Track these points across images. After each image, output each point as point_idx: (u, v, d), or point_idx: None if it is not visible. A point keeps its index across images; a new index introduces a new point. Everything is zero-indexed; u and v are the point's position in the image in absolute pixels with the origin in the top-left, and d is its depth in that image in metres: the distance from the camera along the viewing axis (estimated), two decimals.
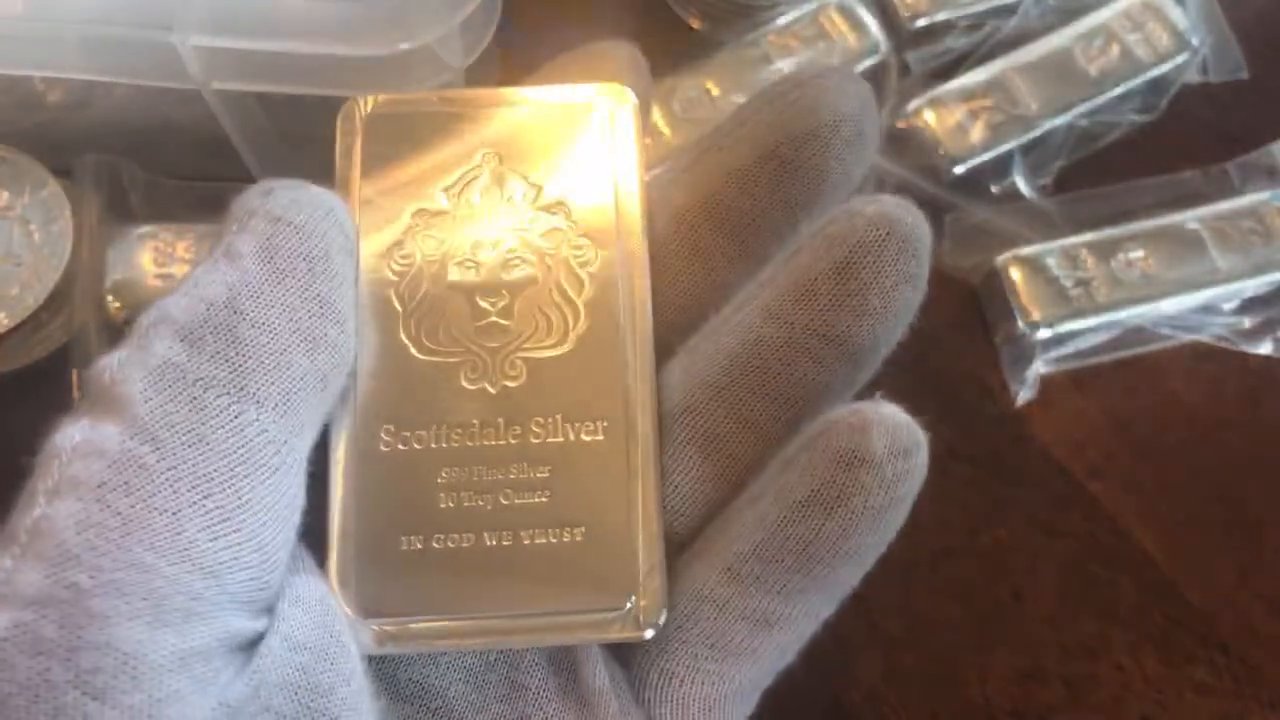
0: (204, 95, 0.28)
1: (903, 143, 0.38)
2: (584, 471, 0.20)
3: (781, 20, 0.38)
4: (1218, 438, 0.36)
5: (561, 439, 0.20)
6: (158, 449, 0.16)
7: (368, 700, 0.18)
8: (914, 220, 0.19)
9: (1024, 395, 0.36)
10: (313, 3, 0.26)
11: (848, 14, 0.38)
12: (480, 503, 0.19)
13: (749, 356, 0.19)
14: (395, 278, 0.20)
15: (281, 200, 0.18)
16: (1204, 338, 0.36)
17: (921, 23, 0.39)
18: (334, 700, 0.17)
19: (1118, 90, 0.38)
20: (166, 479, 0.15)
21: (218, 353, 0.16)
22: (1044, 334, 0.35)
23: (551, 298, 0.20)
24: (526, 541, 0.19)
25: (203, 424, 0.16)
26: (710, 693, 0.19)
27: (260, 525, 0.16)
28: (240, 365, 0.16)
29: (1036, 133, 0.37)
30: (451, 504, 0.19)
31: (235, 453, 0.16)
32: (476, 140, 0.21)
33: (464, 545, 0.19)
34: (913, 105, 0.37)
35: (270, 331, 0.17)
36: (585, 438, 0.20)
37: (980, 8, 0.39)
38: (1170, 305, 0.36)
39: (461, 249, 0.21)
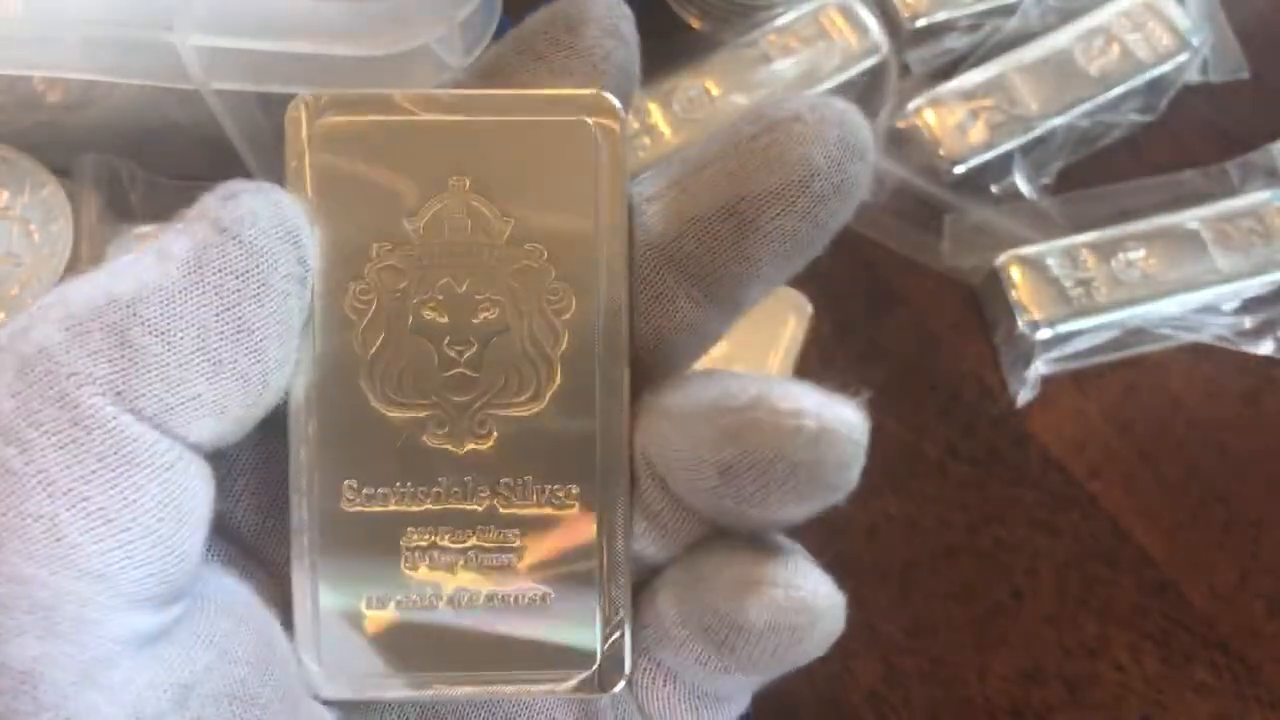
0: (204, 95, 0.28)
1: (903, 143, 0.38)
2: (553, 535, 0.19)
3: (781, 20, 0.38)
4: (1218, 438, 0.36)
5: (531, 502, 0.19)
6: (24, 450, 0.14)
7: (304, 711, 0.18)
8: (812, 449, 0.17)
9: (1024, 395, 0.36)
10: (313, 3, 0.26)
11: (848, 14, 0.38)
12: (446, 564, 0.19)
13: (665, 465, 0.18)
14: (354, 318, 0.18)
15: (236, 210, 0.16)
16: (1204, 338, 0.37)
17: (922, 23, 0.39)
18: (269, 714, 0.16)
19: (1118, 90, 0.38)
20: (38, 482, 0.14)
21: (100, 351, 0.15)
22: (1044, 334, 0.35)
23: (524, 349, 0.19)
24: (493, 604, 0.19)
25: (74, 424, 0.15)
26: (692, 693, 0.19)
27: (156, 521, 0.15)
28: (123, 369, 0.15)
29: (1036, 133, 0.37)
30: (416, 569, 0.19)
31: (114, 454, 0.15)
32: (445, 163, 0.19)
33: (429, 610, 0.19)
34: (913, 105, 0.37)
35: (168, 344, 0.15)
36: (555, 501, 0.19)
37: (980, 8, 0.39)
38: (1171, 305, 0.36)
39: (427, 289, 0.19)
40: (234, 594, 0.17)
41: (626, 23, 0.19)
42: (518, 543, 0.19)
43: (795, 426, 0.16)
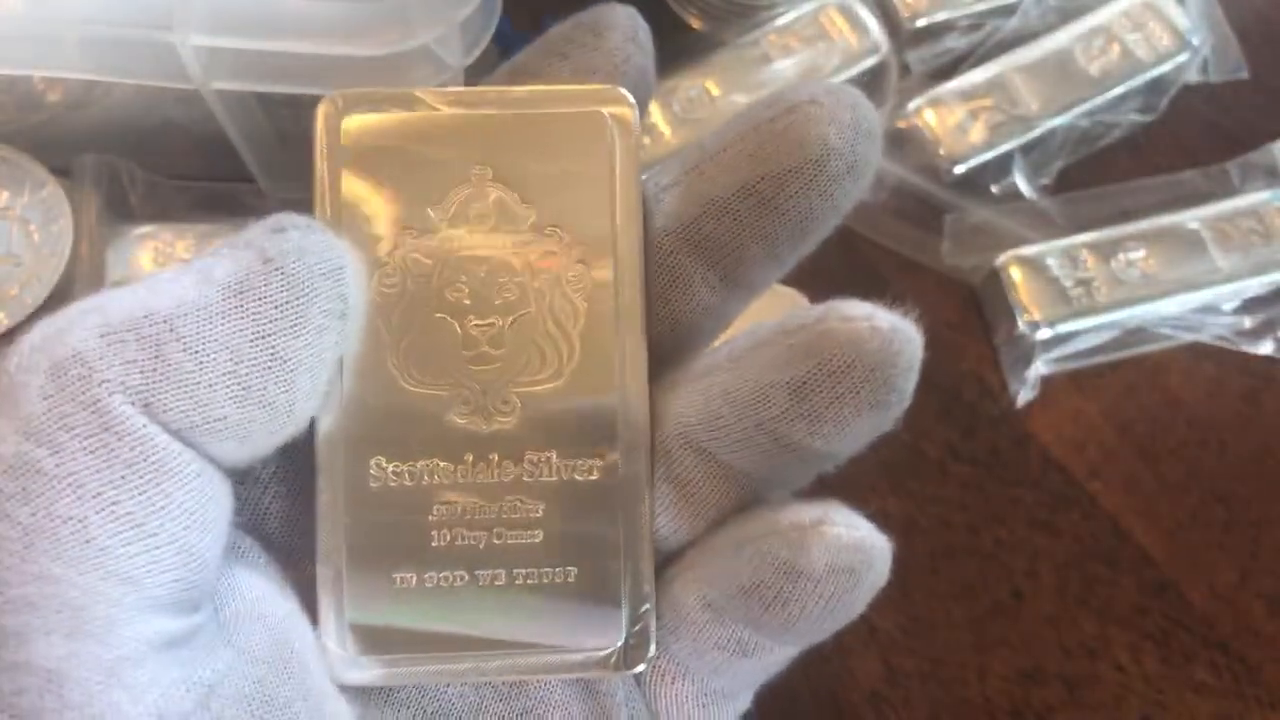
0: (203, 95, 0.28)
1: (903, 142, 0.38)
2: (577, 510, 0.19)
3: (781, 20, 0.38)
4: (1218, 438, 0.36)
5: (555, 477, 0.19)
6: (55, 453, 0.15)
7: (328, 712, 0.18)
8: (887, 349, 0.18)
9: (1024, 395, 0.36)
10: (312, 3, 0.26)
11: (848, 14, 0.38)
12: (473, 540, 0.19)
13: (714, 423, 0.19)
14: (381, 301, 0.19)
15: (283, 244, 0.17)
16: (1204, 338, 0.37)
17: (922, 22, 0.39)
18: (289, 713, 0.16)
19: (1118, 90, 0.38)
20: (68, 485, 0.14)
21: (134, 361, 0.15)
22: (1044, 334, 0.35)
23: (545, 328, 0.20)
24: (519, 581, 0.19)
25: (105, 429, 0.15)
26: (701, 690, 0.19)
27: (183, 529, 0.15)
28: (155, 382, 0.15)
29: (1036, 133, 0.37)
30: (444, 541, 0.19)
31: (143, 462, 0.15)
32: (468, 153, 0.20)
33: (456, 583, 0.19)
34: (913, 105, 0.37)
35: (201, 363, 0.16)
36: (579, 476, 0.19)
37: (980, 7, 0.39)
38: (1171, 305, 0.36)
39: (451, 272, 0.20)
40: (256, 595, 0.17)
41: (645, 33, 0.20)
42: (542, 515, 0.19)
43: (870, 327, 0.18)
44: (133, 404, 0.15)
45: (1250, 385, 0.37)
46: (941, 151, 0.37)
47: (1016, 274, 0.36)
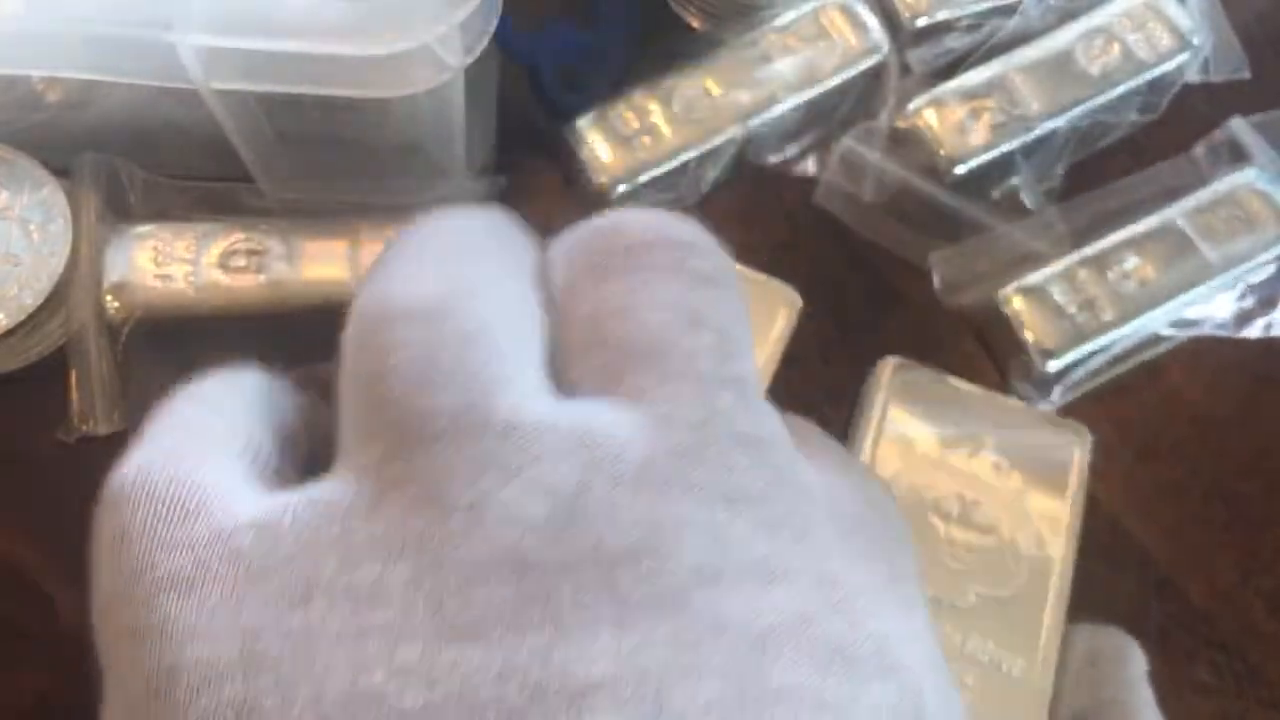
0: (203, 95, 0.28)
1: (903, 143, 0.38)
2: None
3: (782, 20, 0.38)
4: (1218, 436, 0.36)
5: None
6: None
7: None
8: None
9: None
10: (312, 3, 0.26)
11: (848, 13, 0.38)
12: None
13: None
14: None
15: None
16: (1205, 330, 0.36)
17: (922, 22, 0.39)
18: None
19: (1119, 90, 0.38)
20: None
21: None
22: (1055, 365, 0.34)
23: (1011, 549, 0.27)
24: None
25: None
26: None
27: None
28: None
29: (1037, 132, 0.37)
30: None
31: None
32: (975, 426, 0.28)
33: None
34: (913, 105, 0.37)
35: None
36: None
37: (981, 7, 0.39)
38: (1173, 307, 0.35)
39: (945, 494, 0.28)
40: None
41: None
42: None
43: None
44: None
45: (1252, 384, 0.36)
46: (942, 152, 0.37)
47: (1020, 306, 0.35)
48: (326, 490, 0.13)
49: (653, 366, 0.14)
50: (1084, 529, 0.32)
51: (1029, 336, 0.34)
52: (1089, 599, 0.33)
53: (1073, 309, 0.35)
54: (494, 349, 0.14)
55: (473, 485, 0.12)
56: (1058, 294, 0.35)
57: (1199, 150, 0.38)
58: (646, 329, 0.14)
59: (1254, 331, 0.37)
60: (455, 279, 0.14)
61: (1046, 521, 0.27)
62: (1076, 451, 0.27)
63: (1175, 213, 0.36)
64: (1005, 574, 0.26)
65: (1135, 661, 0.28)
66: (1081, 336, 0.35)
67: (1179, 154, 0.39)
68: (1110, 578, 0.34)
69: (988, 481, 0.27)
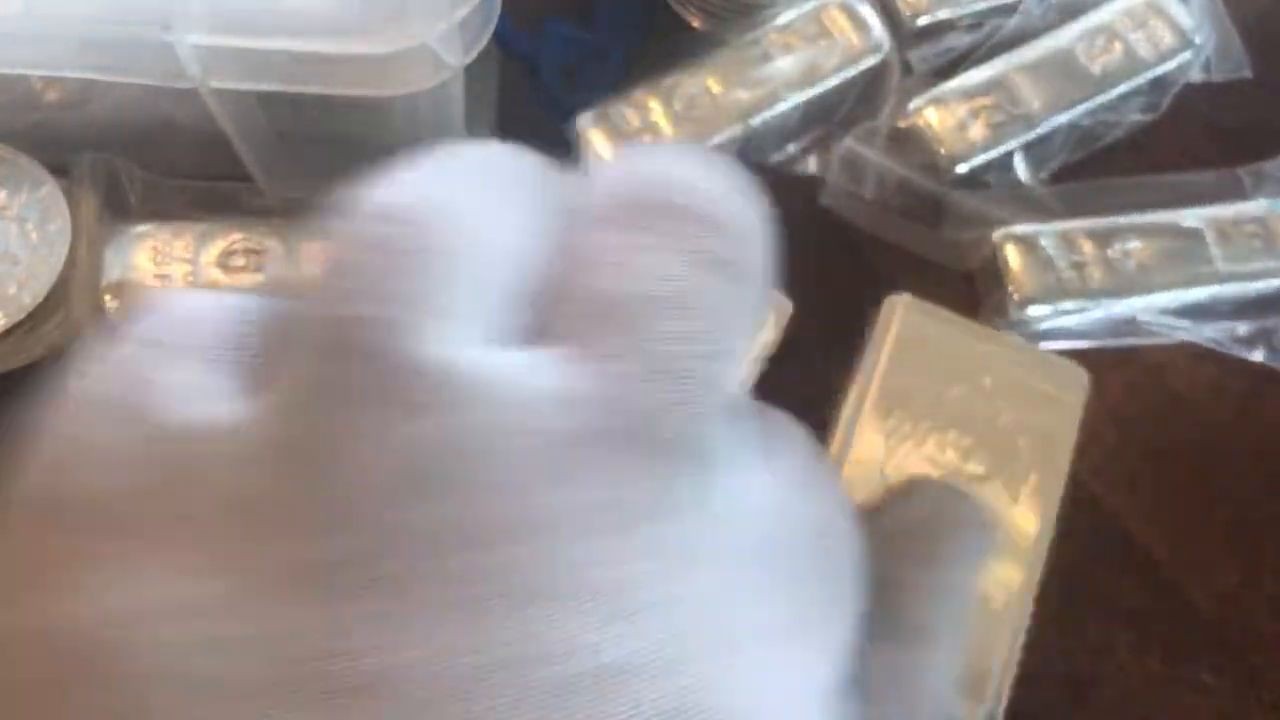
0: (203, 95, 0.28)
1: (904, 142, 0.37)
2: None
3: (783, 19, 0.37)
4: (1221, 438, 0.36)
5: None
6: None
7: None
8: None
9: None
10: (311, 2, 0.26)
11: (849, 12, 0.38)
12: None
13: None
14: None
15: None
16: (1196, 338, 0.36)
17: (923, 21, 0.38)
18: None
19: (1120, 89, 0.38)
20: None
21: None
22: (1033, 311, 0.35)
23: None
24: None
25: None
26: None
27: None
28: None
29: (1038, 132, 0.37)
30: None
31: None
32: (978, 368, 0.27)
33: None
34: (914, 104, 0.37)
35: None
36: None
37: (982, 6, 0.39)
38: (1164, 300, 0.35)
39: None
40: None
41: None
42: None
43: None
44: None
45: (1253, 385, 0.36)
46: (943, 151, 0.37)
47: (1010, 251, 0.35)
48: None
49: (605, 334, 0.12)
50: (1084, 529, 0.32)
51: (1013, 277, 0.35)
52: (1090, 599, 0.33)
53: (1063, 265, 0.35)
54: (446, 275, 0.12)
55: (344, 413, 0.11)
56: (1052, 249, 0.35)
57: (1244, 172, 0.38)
58: (618, 291, 0.13)
59: (1255, 355, 0.36)
60: (443, 199, 0.13)
61: (1041, 454, 0.27)
62: (1072, 392, 0.27)
63: (1198, 215, 0.36)
64: (1000, 504, 0.27)
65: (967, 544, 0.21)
66: (1063, 293, 0.35)
67: (1180, 154, 0.39)
68: (1112, 578, 0.34)
69: (986, 418, 0.27)
